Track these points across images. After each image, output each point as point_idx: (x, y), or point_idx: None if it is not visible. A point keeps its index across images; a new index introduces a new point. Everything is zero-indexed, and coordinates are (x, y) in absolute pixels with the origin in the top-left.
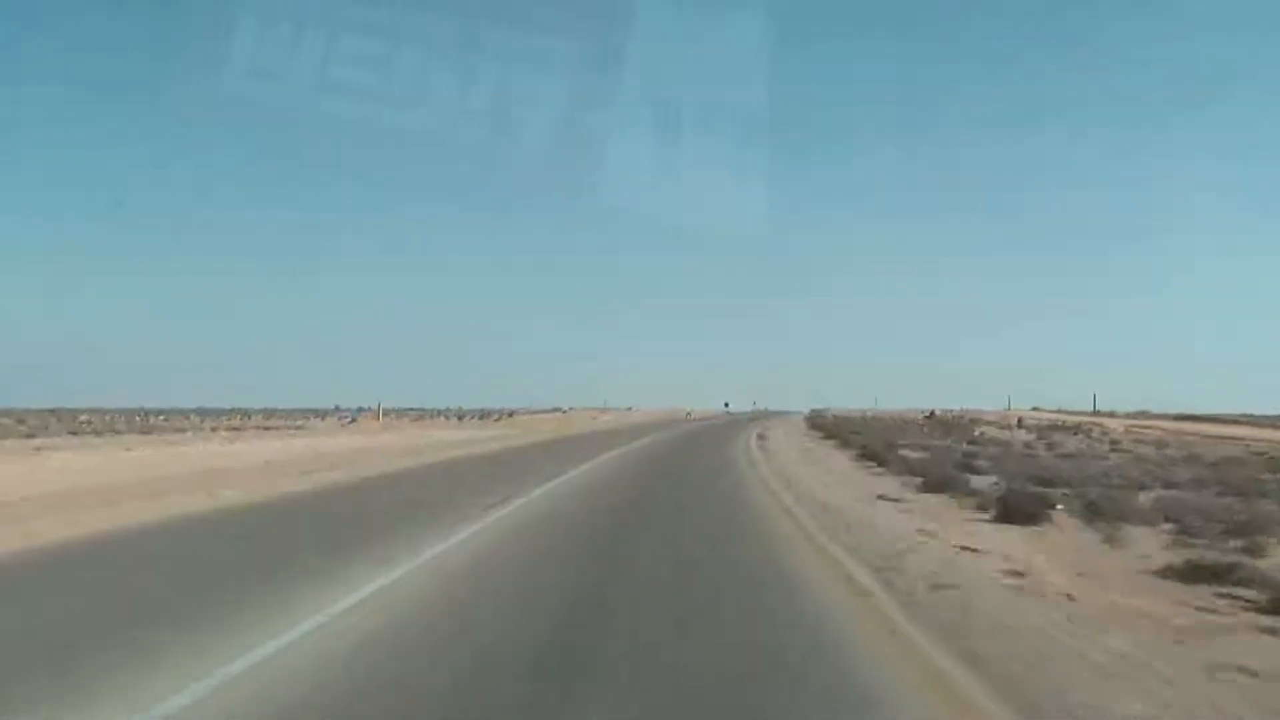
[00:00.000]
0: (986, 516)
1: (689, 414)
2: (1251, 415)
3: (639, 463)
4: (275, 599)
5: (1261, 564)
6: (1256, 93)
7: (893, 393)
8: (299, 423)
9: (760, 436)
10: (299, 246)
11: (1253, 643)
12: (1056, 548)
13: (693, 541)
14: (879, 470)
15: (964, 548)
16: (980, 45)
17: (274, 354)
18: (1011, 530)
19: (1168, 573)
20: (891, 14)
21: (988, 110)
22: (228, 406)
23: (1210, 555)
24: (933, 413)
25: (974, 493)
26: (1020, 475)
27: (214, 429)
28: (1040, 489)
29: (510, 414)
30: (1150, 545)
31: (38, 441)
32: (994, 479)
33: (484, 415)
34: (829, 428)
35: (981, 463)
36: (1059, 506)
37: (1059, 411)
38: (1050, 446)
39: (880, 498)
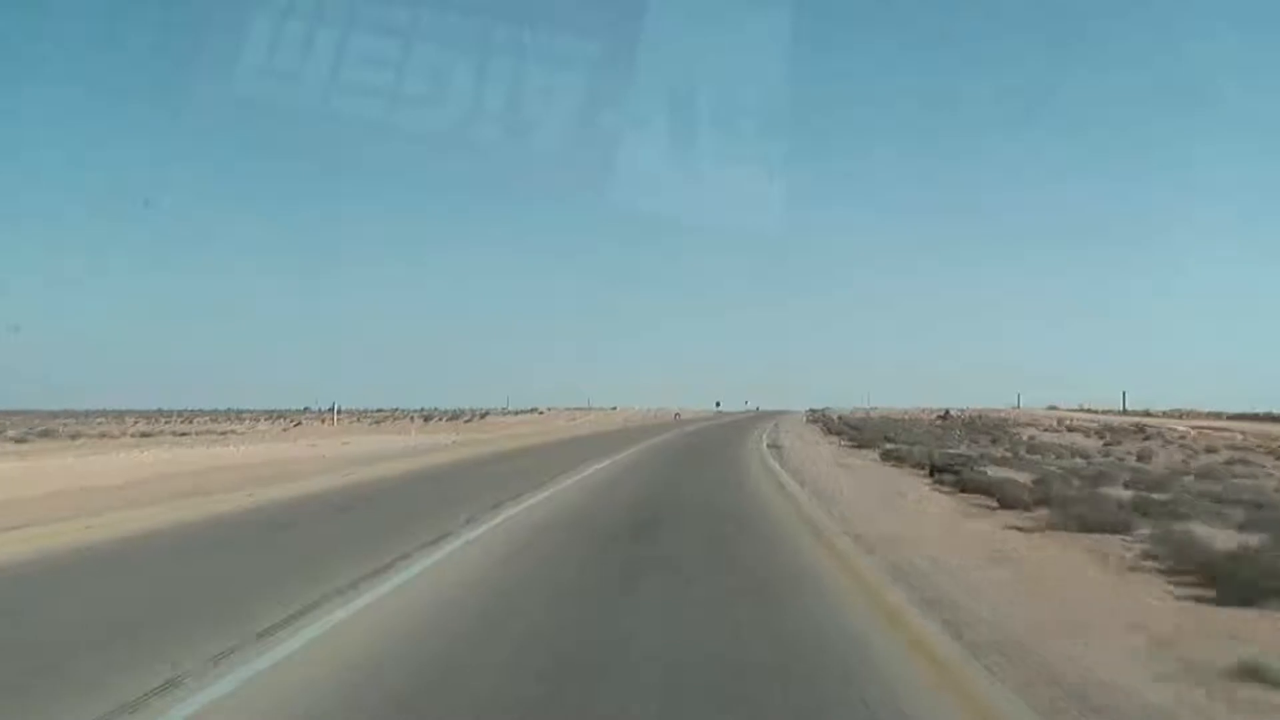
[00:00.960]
0: None
1: (677, 415)
2: None
3: (614, 496)
4: None
5: None
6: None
7: (888, 391)
8: (231, 427)
9: (774, 446)
10: (286, 247)
11: None
12: None
13: None
14: (981, 503)
15: None
16: (998, 43)
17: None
18: None
19: None
20: (907, 11)
21: (997, 109)
22: (197, 408)
23: None
24: (947, 412)
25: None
26: (1210, 510)
27: (120, 434)
28: None
29: (483, 415)
30: None
31: None
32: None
33: (455, 417)
34: (849, 432)
35: (1117, 490)
36: None
37: (1084, 410)
38: (1144, 457)
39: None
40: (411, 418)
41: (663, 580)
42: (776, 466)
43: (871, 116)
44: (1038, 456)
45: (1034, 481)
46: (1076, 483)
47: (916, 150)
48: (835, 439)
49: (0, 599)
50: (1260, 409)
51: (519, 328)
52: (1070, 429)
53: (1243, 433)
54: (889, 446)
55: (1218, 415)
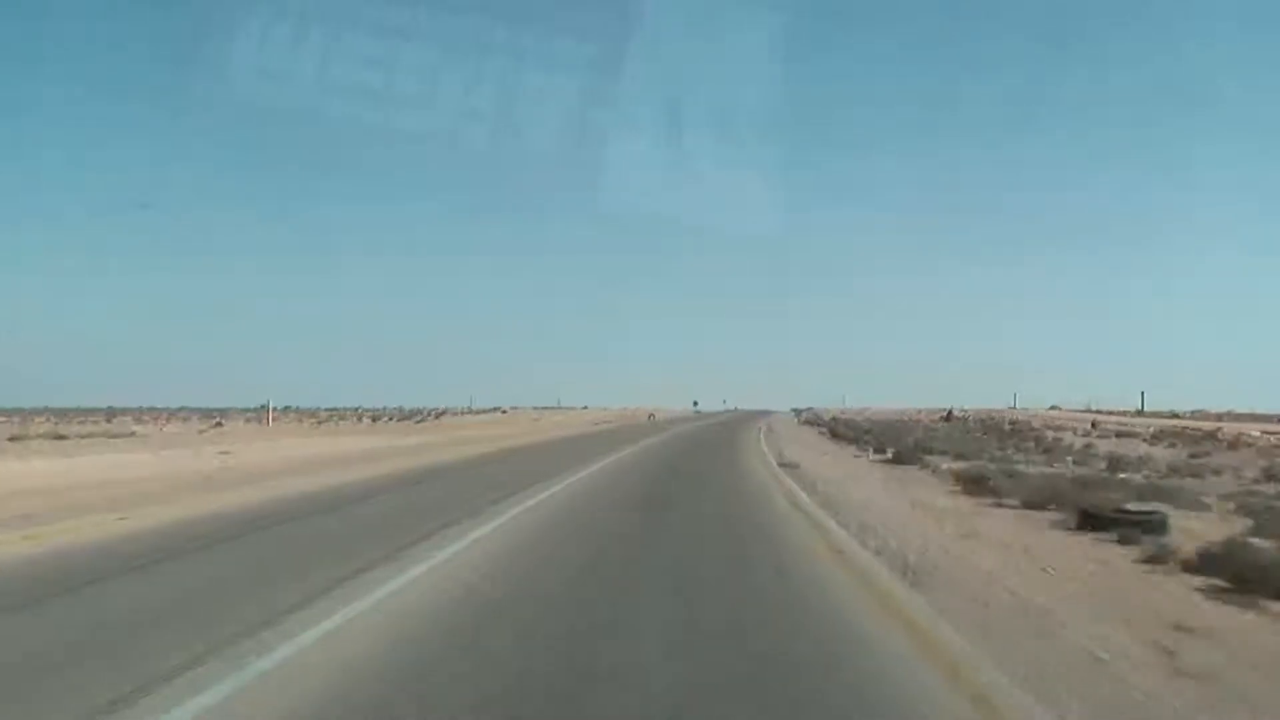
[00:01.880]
0: None
1: (651, 416)
2: None
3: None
4: None
5: None
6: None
7: (867, 390)
8: (136, 428)
9: (788, 465)
10: (260, 245)
11: None
12: None
13: None
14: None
15: None
16: (998, 43)
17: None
18: None
19: None
20: (905, 12)
21: (996, 110)
22: (146, 405)
23: None
24: (950, 413)
25: None
26: None
27: None
28: None
29: (438, 415)
30: None
31: None
32: None
33: (409, 417)
34: (862, 438)
35: None
36: None
37: (1093, 411)
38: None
39: None
40: (360, 418)
41: None
42: (827, 522)
43: (862, 116)
44: (1132, 475)
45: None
46: None
47: (911, 150)
48: (852, 448)
49: None
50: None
51: (491, 326)
52: (1119, 434)
53: None
54: (952, 465)
55: (1255, 416)
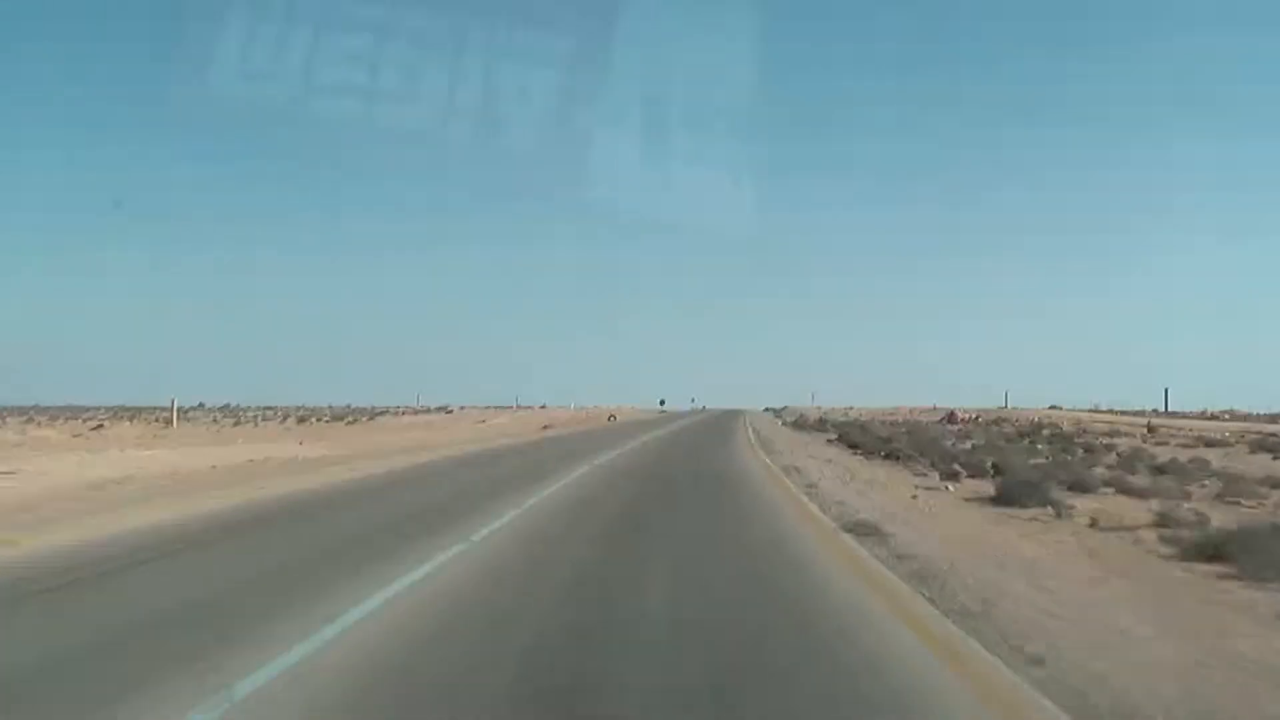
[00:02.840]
0: None
1: (612, 417)
2: None
3: None
4: None
5: None
6: None
7: (840, 390)
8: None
9: (870, 533)
10: (229, 242)
11: None
12: None
13: None
14: None
15: None
16: (973, 39)
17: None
18: None
19: None
20: (881, 9)
21: (978, 105)
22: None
23: None
24: (952, 414)
25: None
26: None
27: None
28: None
29: (372, 416)
30: None
31: None
32: None
33: (340, 417)
34: (880, 446)
35: None
36: None
37: (1103, 412)
38: None
39: None
40: (286, 417)
41: None
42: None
43: (838, 114)
44: None
45: None
46: None
47: (891, 146)
48: (903, 471)
49: None
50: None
51: (451, 323)
52: (1207, 443)
53: None
54: (1096, 504)
55: None
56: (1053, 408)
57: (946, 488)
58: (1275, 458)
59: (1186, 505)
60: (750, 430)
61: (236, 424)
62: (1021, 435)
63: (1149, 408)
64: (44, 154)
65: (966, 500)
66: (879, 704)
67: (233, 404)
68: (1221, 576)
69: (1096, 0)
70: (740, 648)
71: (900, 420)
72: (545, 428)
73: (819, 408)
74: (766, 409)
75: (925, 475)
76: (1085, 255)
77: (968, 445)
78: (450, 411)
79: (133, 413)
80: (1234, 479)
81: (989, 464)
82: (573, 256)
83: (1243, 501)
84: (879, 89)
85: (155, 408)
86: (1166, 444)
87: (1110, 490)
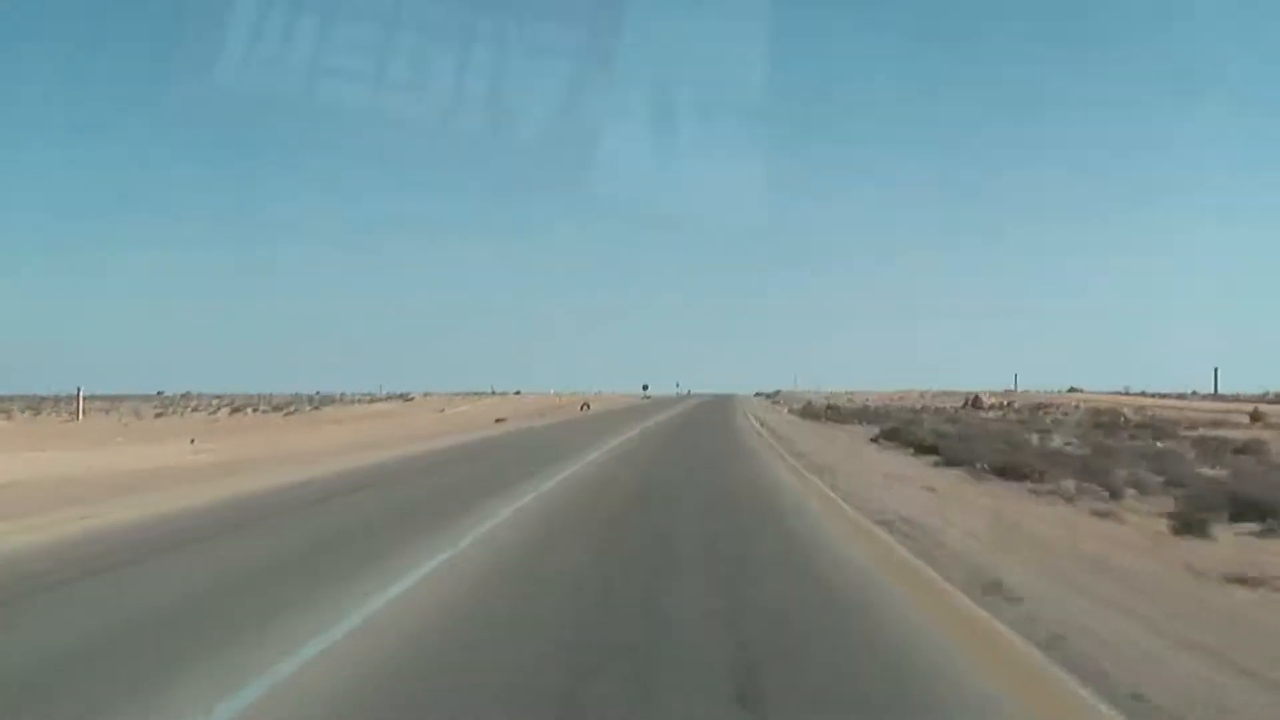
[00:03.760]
0: None
1: (585, 405)
2: None
3: None
4: None
5: None
6: None
7: (830, 373)
8: None
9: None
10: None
11: None
12: None
13: None
14: None
15: None
16: (979, 26)
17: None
18: None
19: None
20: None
21: (985, 92)
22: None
23: None
24: (977, 397)
25: None
26: None
27: None
28: None
29: (317, 406)
30: None
31: None
32: None
33: (283, 408)
34: (952, 450)
35: None
36: None
37: (1133, 395)
38: None
39: None
40: (218, 409)
41: None
42: None
43: (837, 101)
44: None
45: None
46: None
47: (884, 134)
48: (986, 478)
49: None
50: None
51: (431, 309)
52: None
53: None
54: None
55: None
56: (1073, 390)
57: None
58: None
59: None
60: (755, 422)
61: (160, 415)
62: (1099, 426)
63: (1187, 390)
64: None
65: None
66: None
67: (197, 391)
68: None
69: None
70: None
71: (920, 406)
72: (499, 420)
73: (819, 391)
74: (758, 394)
75: (1075, 501)
76: (1095, 234)
77: (1055, 442)
78: (410, 399)
79: (58, 401)
80: None
81: (1161, 477)
82: (560, 245)
83: None
84: (884, 72)
85: (135, 396)
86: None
87: None
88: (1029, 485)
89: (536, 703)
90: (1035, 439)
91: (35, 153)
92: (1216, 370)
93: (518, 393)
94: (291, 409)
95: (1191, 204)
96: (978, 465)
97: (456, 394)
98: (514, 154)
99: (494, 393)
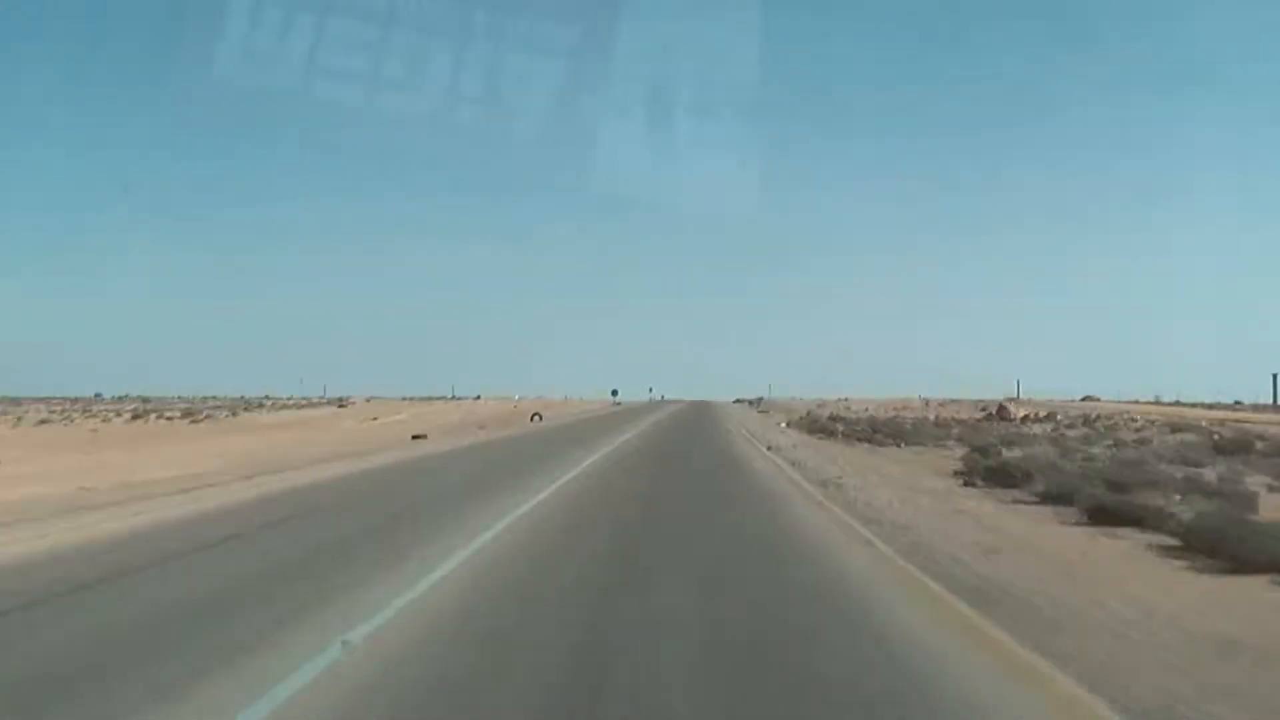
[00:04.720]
0: None
1: (536, 416)
2: None
3: None
4: None
5: None
6: None
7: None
8: None
9: None
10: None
11: None
12: None
13: None
14: None
15: None
16: (974, 23)
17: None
18: None
19: None
20: None
21: (986, 85)
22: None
23: None
24: (1001, 407)
25: None
26: None
27: None
28: None
29: (235, 413)
30: None
31: None
32: None
33: (194, 413)
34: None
35: None
36: None
37: (1165, 404)
38: None
39: None
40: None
41: None
42: None
43: (836, 94)
44: None
45: None
46: None
47: (878, 130)
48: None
49: None
50: None
51: (398, 308)
52: None
53: None
54: None
55: None
56: (1087, 398)
57: None
58: None
59: None
60: (758, 444)
61: (43, 422)
62: (1224, 450)
63: (1227, 398)
64: None
65: None
66: None
67: (141, 394)
68: None
69: None
70: None
71: (933, 416)
72: (417, 438)
73: (805, 398)
74: (738, 400)
75: None
76: (1098, 237)
77: (1210, 476)
78: (347, 404)
79: None
80: None
81: None
82: (537, 246)
83: None
84: (878, 69)
85: (65, 398)
86: None
87: None
88: None
89: None
90: (1176, 472)
91: None
92: (1277, 377)
93: (477, 398)
94: (204, 415)
95: (1211, 202)
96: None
97: (412, 398)
98: (504, 153)
99: (453, 397)
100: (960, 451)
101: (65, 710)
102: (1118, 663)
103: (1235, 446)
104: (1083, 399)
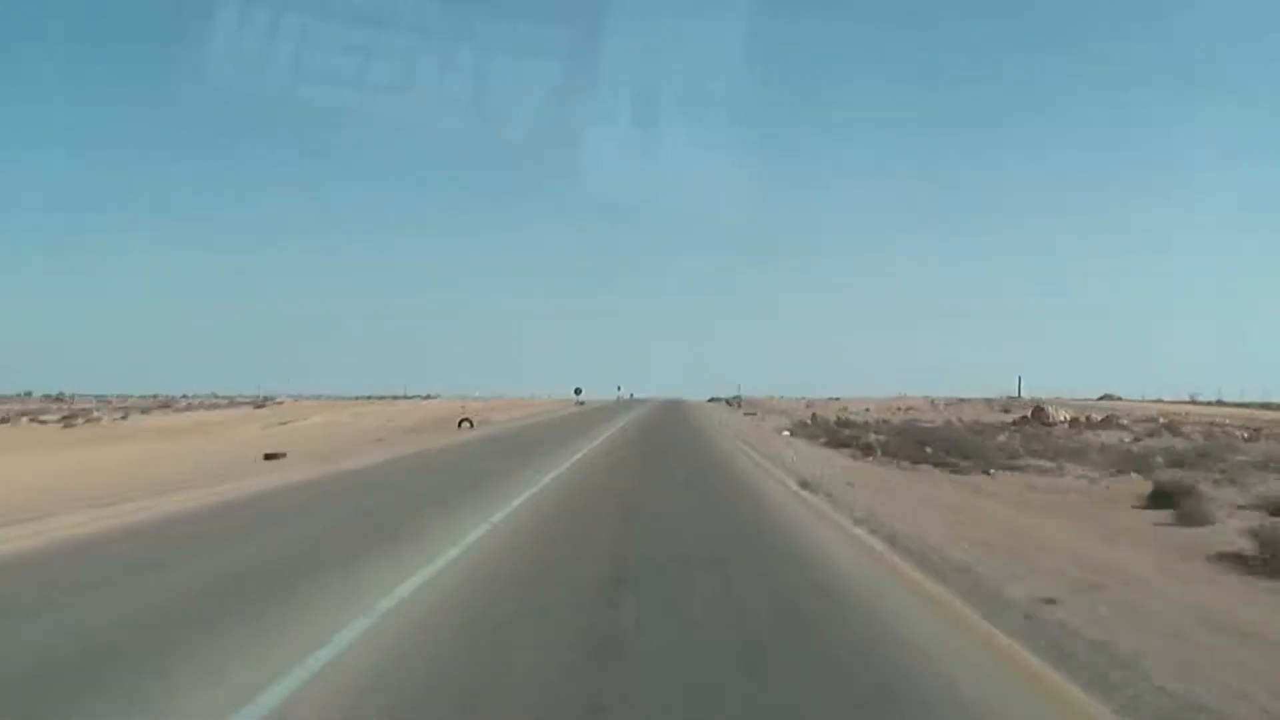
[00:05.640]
0: None
1: (465, 423)
2: None
3: None
4: None
5: None
6: None
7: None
8: None
9: None
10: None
11: None
12: None
13: None
14: None
15: None
16: (970, 21)
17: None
18: None
19: None
20: None
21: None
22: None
23: None
24: (1039, 408)
25: None
26: None
27: None
28: None
29: (128, 415)
30: None
31: None
32: None
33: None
34: None
35: None
36: None
37: (1201, 404)
38: None
39: None
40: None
41: None
42: None
43: (825, 94)
44: None
45: None
46: None
47: (869, 131)
48: None
49: None
50: None
51: (372, 307)
52: None
53: None
54: None
55: None
56: (1106, 397)
57: None
58: None
59: None
60: (777, 476)
61: None
62: None
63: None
64: None
65: None
66: None
67: (76, 393)
68: None
69: None
70: None
71: (947, 420)
72: (271, 457)
73: (810, 400)
74: (713, 399)
75: None
76: (1094, 234)
77: None
78: (261, 406)
79: None
80: None
81: None
82: (509, 245)
83: None
84: (874, 71)
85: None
86: None
87: None
88: None
89: None
90: None
91: None
92: None
93: (427, 397)
94: (91, 418)
95: (1211, 200)
96: None
97: (371, 398)
98: (493, 153)
99: (404, 396)
100: (1115, 483)
101: None
102: None
103: None
104: (1100, 398)
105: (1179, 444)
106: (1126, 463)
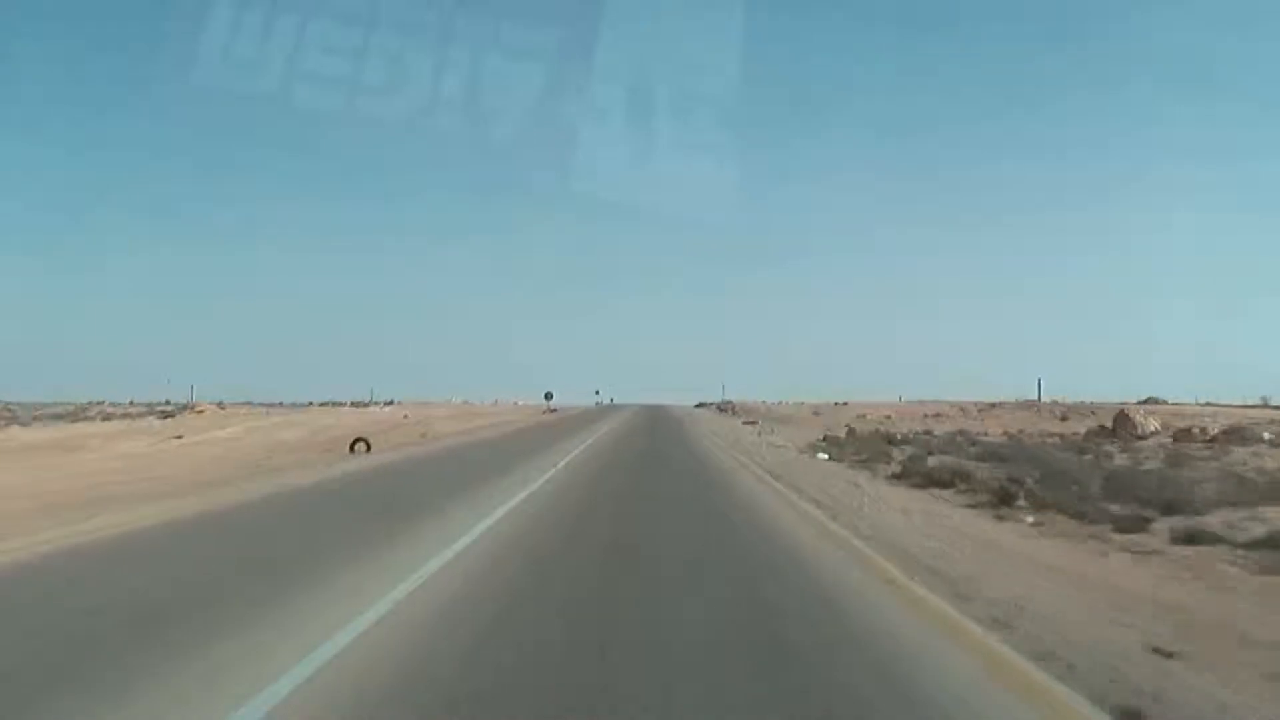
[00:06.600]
0: None
1: (358, 443)
2: None
3: None
4: None
5: None
6: None
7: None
8: None
9: None
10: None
11: None
12: None
13: None
14: None
15: None
16: (955, 23)
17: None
18: None
19: None
20: None
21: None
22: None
23: None
24: (1124, 414)
25: None
26: None
27: None
28: None
29: (24, 422)
30: None
31: None
32: None
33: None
34: None
35: None
36: None
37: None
38: None
39: None
40: None
41: None
42: None
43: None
44: None
45: None
46: None
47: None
48: None
49: None
50: None
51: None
52: None
53: None
54: None
55: None
56: (1151, 400)
57: None
58: None
59: None
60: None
61: None
62: None
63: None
64: None
65: None
66: None
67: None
68: None
69: None
70: None
71: (1006, 430)
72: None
73: (773, 400)
74: (700, 405)
75: None
76: (1114, 232)
77: None
78: (173, 415)
79: None
80: None
81: None
82: (503, 245)
83: None
84: (871, 69)
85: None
86: None
87: None
88: None
89: None
90: None
91: None
92: None
93: (388, 403)
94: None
95: (1213, 199)
96: None
97: (329, 403)
98: (480, 154)
99: (370, 403)
100: None
101: None
102: None
103: None
104: (1144, 401)
105: None
106: None
